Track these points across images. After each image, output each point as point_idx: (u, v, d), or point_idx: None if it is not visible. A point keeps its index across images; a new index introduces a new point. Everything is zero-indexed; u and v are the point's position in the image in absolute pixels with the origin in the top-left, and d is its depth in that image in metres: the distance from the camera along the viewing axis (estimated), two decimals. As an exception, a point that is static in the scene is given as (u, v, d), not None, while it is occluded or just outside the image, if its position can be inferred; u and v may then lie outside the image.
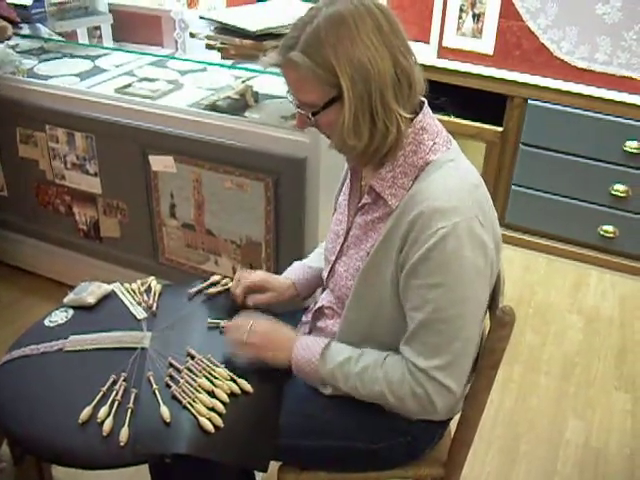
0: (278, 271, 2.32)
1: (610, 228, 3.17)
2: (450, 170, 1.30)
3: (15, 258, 3.05)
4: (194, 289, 1.73)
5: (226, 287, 1.75)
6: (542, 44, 3.05)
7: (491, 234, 1.30)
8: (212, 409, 1.34)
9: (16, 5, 2.91)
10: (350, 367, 1.38)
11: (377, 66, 1.23)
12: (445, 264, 1.24)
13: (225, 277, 1.80)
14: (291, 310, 1.75)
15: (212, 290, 1.75)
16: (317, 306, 1.61)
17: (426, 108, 1.35)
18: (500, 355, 1.36)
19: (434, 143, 1.32)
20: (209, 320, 1.63)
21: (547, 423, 2.38)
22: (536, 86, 3.08)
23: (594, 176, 3.11)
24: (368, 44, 1.23)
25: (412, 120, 1.32)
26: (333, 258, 1.52)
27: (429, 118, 1.35)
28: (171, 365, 1.45)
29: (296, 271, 1.71)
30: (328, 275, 1.55)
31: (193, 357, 1.48)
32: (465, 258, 1.24)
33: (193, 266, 2.53)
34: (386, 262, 1.33)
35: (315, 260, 1.73)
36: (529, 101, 3.11)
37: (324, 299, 1.60)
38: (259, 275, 1.69)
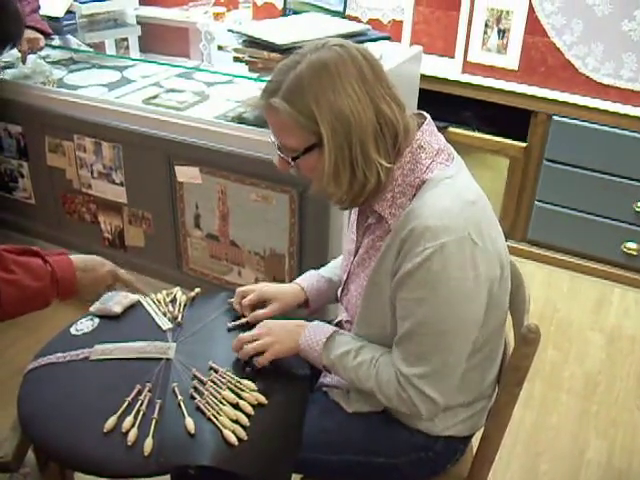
0: (301, 284, 2.35)
1: (634, 245, 3.15)
2: (445, 188, 1.29)
3: (40, 265, 3.07)
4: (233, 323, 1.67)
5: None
6: (567, 60, 3.05)
7: (489, 251, 1.29)
8: (236, 421, 1.35)
9: (48, 17, 2.96)
10: (348, 361, 1.40)
11: (359, 116, 1.23)
12: (429, 282, 1.25)
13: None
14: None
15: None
16: (338, 319, 1.62)
17: (426, 125, 1.34)
18: (524, 373, 1.36)
19: (432, 161, 1.31)
20: (230, 324, 1.63)
21: (568, 442, 2.37)
22: (560, 102, 3.07)
23: (618, 193, 3.09)
24: (350, 93, 1.23)
25: (402, 154, 1.31)
26: (345, 277, 1.53)
27: (428, 135, 1.33)
28: (195, 377, 1.46)
29: (308, 279, 1.68)
30: (342, 292, 1.56)
31: (217, 371, 1.48)
32: (451, 279, 1.24)
33: (216, 277, 2.55)
34: (385, 279, 1.33)
35: (329, 271, 1.71)
36: (553, 117, 3.10)
37: (343, 313, 1.61)
38: (261, 286, 1.64)
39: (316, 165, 1.29)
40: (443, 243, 1.22)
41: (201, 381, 1.45)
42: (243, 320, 1.62)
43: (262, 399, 1.40)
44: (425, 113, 1.37)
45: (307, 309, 1.67)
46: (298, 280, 1.68)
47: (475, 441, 1.53)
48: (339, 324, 1.60)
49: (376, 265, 1.35)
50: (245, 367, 1.49)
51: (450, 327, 1.28)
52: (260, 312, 1.60)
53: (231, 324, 1.62)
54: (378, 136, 1.26)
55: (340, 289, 1.57)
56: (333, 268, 1.71)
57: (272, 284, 1.68)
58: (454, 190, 1.29)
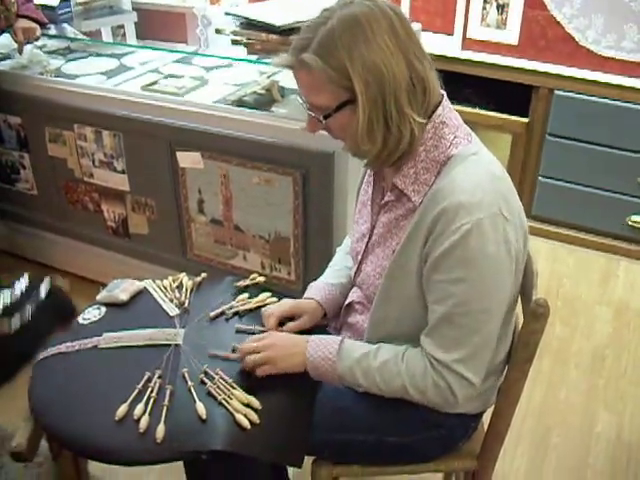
0: (307, 265, 2.35)
1: (639, 218, 3.14)
2: (473, 164, 1.28)
3: (44, 256, 3.08)
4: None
5: (254, 281, 1.76)
6: (567, 33, 3.02)
7: (517, 226, 1.29)
8: (247, 405, 1.35)
9: (43, 6, 2.94)
10: (369, 362, 1.37)
11: (392, 70, 1.21)
12: (468, 260, 1.24)
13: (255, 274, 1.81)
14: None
15: (241, 283, 1.75)
16: (347, 302, 1.61)
17: (445, 101, 1.33)
18: (534, 348, 1.36)
19: (455, 137, 1.31)
20: (237, 325, 1.61)
21: (577, 416, 2.37)
22: (562, 76, 3.05)
23: (622, 166, 3.08)
24: (383, 47, 1.21)
25: (430, 116, 1.30)
26: (360, 257, 1.51)
27: (449, 112, 1.33)
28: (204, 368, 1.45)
29: (319, 292, 1.63)
30: (355, 274, 1.55)
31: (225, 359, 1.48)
32: (488, 254, 1.24)
33: (222, 262, 2.54)
34: (412, 259, 1.32)
35: (333, 276, 1.67)
36: (555, 91, 3.08)
37: (354, 294, 1.60)
38: (287, 303, 1.60)
39: (348, 123, 1.27)
40: (479, 219, 1.21)
41: (209, 374, 1.44)
42: (252, 328, 1.59)
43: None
44: (441, 90, 1.35)
45: (325, 319, 1.64)
46: (309, 295, 1.63)
47: (486, 418, 1.53)
48: (349, 305, 1.59)
49: (402, 245, 1.33)
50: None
51: (487, 305, 1.28)
52: (292, 324, 1.56)
53: (239, 327, 1.60)
54: (410, 91, 1.24)
55: (354, 270, 1.55)
56: (339, 270, 1.68)
57: (291, 300, 1.62)
58: (481, 166, 1.29)
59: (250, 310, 1.66)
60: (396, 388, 1.36)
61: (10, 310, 1.23)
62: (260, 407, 1.35)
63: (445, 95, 1.35)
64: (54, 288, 1.41)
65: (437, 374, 1.31)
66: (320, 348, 1.41)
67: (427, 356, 1.32)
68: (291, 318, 1.58)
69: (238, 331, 1.59)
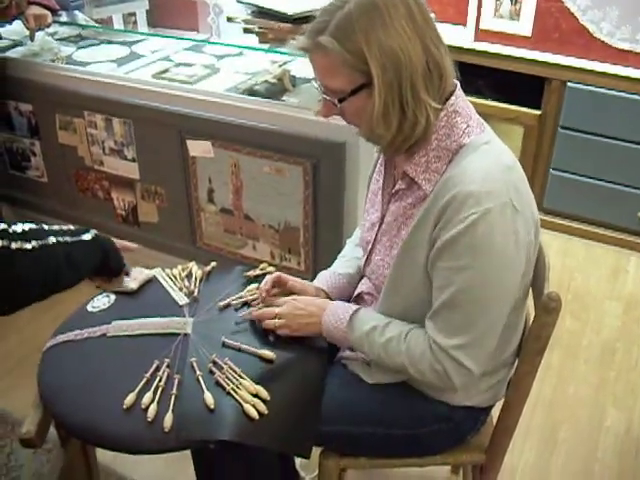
0: (317, 255, 2.34)
1: (651, 213, 3.12)
2: (484, 153, 1.27)
3: (54, 243, 3.08)
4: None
5: (265, 271, 1.75)
6: (582, 25, 2.98)
7: (527, 217, 1.28)
8: (256, 395, 1.34)
9: (55, -7, 2.93)
10: (375, 337, 1.39)
11: (409, 54, 1.20)
12: (474, 248, 1.23)
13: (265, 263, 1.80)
14: None
15: (251, 273, 1.75)
16: (357, 292, 1.61)
17: (458, 91, 1.32)
18: (545, 342, 1.35)
19: (467, 126, 1.30)
20: (240, 315, 1.60)
21: (587, 410, 2.36)
22: (575, 68, 3.01)
23: (634, 159, 3.05)
24: (400, 32, 1.20)
25: (444, 104, 1.29)
26: (370, 247, 1.51)
27: (462, 101, 1.32)
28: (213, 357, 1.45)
29: (327, 281, 1.64)
30: (365, 263, 1.54)
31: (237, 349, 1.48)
32: (495, 243, 1.23)
33: (231, 251, 2.54)
34: (420, 246, 1.31)
35: (342, 266, 1.68)
36: (568, 84, 3.05)
37: (363, 284, 1.59)
38: (297, 282, 1.61)
39: (363, 107, 1.26)
40: (487, 209, 1.21)
41: (217, 363, 1.44)
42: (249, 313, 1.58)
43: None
44: (455, 80, 1.34)
45: None
46: (317, 283, 1.64)
47: (495, 411, 1.52)
48: (359, 296, 1.59)
49: (410, 233, 1.33)
50: (267, 335, 1.51)
51: (491, 294, 1.27)
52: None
53: (241, 316, 1.59)
54: (427, 76, 1.23)
55: (364, 260, 1.55)
56: (347, 260, 1.68)
57: (300, 280, 1.63)
58: (493, 155, 1.28)
59: (257, 277, 1.69)
60: (398, 365, 1.38)
61: (26, 236, 1.25)
62: (268, 398, 1.35)
63: (459, 84, 1.33)
64: (104, 239, 1.47)
65: (435, 358, 1.31)
66: (334, 316, 1.45)
67: (429, 339, 1.32)
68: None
69: (237, 323, 1.58)
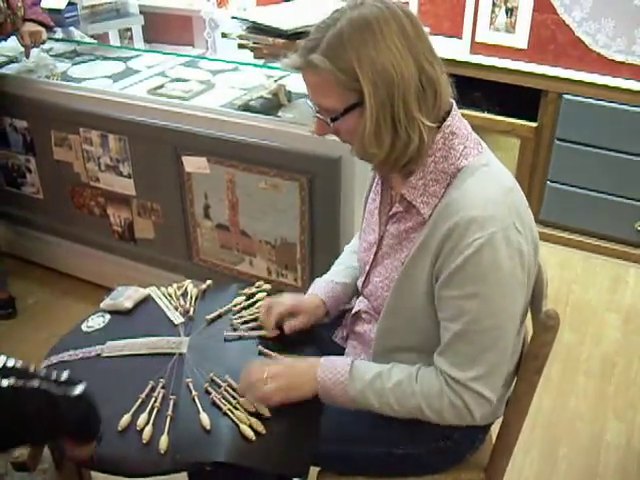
0: (313, 271, 2.33)
1: (648, 224, 3.11)
2: (484, 176, 1.26)
3: (50, 260, 3.08)
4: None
5: (260, 289, 1.74)
6: (577, 37, 2.99)
7: (528, 238, 1.27)
8: (255, 414, 1.33)
9: (50, 9, 2.93)
10: (382, 383, 1.34)
11: (401, 72, 1.19)
12: (482, 275, 1.21)
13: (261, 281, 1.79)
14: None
15: (247, 291, 1.73)
16: (354, 310, 1.59)
17: (455, 111, 1.31)
18: (543, 361, 1.34)
19: (465, 147, 1.28)
20: (226, 334, 1.59)
21: (587, 425, 2.34)
22: (571, 80, 3.02)
23: (631, 171, 3.05)
24: (392, 49, 1.19)
25: (439, 127, 1.28)
26: (368, 268, 1.49)
27: (458, 121, 1.30)
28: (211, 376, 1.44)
29: (322, 288, 1.62)
30: (363, 284, 1.53)
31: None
32: (502, 268, 1.21)
33: (228, 267, 2.53)
34: (421, 272, 1.30)
35: (339, 275, 1.66)
36: (564, 96, 3.06)
37: (361, 302, 1.58)
38: (289, 299, 1.59)
39: (356, 126, 1.24)
40: (492, 233, 1.19)
41: (215, 381, 1.42)
42: (239, 334, 1.59)
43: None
44: (451, 99, 1.32)
45: (326, 317, 1.63)
46: (313, 291, 1.62)
47: (494, 429, 1.51)
48: (357, 314, 1.57)
49: (411, 258, 1.31)
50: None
51: (503, 320, 1.25)
52: (293, 322, 1.55)
53: (228, 335, 1.59)
54: (420, 94, 1.22)
55: (361, 280, 1.53)
56: (344, 269, 1.67)
57: (300, 296, 1.62)
58: (493, 177, 1.27)
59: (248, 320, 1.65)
60: (411, 409, 1.33)
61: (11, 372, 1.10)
62: (269, 415, 1.33)
63: (455, 104, 1.32)
64: (91, 399, 1.24)
65: (454, 393, 1.28)
66: (331, 371, 1.37)
67: (442, 375, 1.29)
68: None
69: (227, 340, 1.57)
